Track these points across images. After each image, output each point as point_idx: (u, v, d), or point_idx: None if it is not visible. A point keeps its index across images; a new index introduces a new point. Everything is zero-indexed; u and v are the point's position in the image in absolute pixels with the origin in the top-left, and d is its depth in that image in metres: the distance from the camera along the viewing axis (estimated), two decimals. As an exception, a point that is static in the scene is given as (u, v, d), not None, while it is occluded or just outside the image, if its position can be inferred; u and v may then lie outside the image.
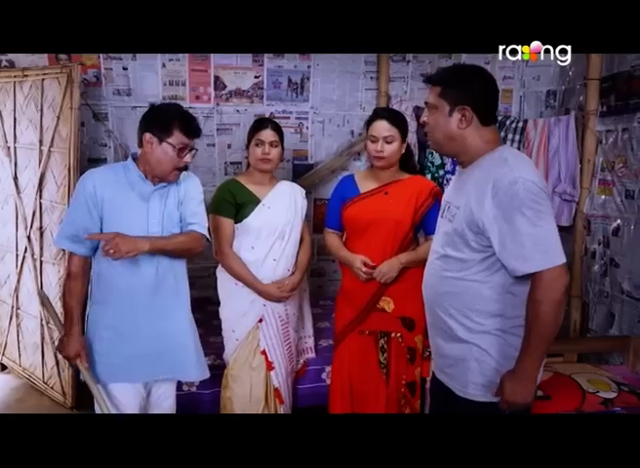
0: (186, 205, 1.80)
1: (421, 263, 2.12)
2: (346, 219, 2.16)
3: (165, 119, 1.70)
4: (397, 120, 2.10)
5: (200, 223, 1.81)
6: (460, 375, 1.44)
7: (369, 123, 2.12)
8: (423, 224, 2.14)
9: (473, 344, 1.40)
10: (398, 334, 2.13)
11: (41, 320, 2.76)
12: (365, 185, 2.16)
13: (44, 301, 2.05)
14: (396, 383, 2.15)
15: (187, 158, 1.72)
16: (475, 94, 1.38)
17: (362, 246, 2.11)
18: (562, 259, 1.29)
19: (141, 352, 1.75)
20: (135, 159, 1.77)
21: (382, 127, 2.06)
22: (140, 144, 1.74)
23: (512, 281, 1.35)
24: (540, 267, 1.27)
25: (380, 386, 2.15)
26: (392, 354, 2.14)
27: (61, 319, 1.85)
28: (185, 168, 1.76)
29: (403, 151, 2.12)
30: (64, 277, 1.78)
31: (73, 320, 1.71)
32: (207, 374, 1.93)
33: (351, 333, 2.16)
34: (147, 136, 1.69)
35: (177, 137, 1.68)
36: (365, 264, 2.06)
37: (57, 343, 1.79)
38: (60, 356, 2.68)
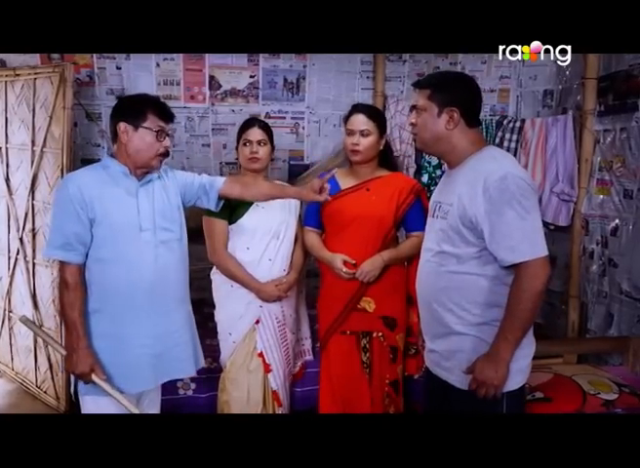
0: (193, 182, 1.84)
1: (403, 261, 2.15)
2: (327, 216, 2.14)
3: (137, 105, 1.67)
4: (374, 114, 2.11)
5: (215, 177, 1.90)
6: (458, 367, 1.47)
7: (346, 118, 2.12)
8: (405, 221, 2.13)
9: (472, 336, 1.45)
10: (380, 334, 2.13)
11: (33, 323, 2.71)
12: (345, 182, 2.15)
13: (29, 326, 1.87)
14: (380, 383, 2.15)
15: (167, 142, 1.69)
16: (463, 97, 1.47)
17: (343, 243, 2.09)
18: (546, 251, 1.38)
19: (142, 358, 1.69)
20: (112, 156, 1.71)
21: (359, 120, 2.07)
22: (115, 139, 1.69)
23: (507, 272, 1.40)
24: (527, 258, 1.35)
25: (363, 386, 2.14)
26: (375, 354, 2.14)
27: (56, 338, 1.76)
28: (167, 153, 1.71)
29: (381, 147, 2.12)
30: (61, 289, 1.63)
31: (80, 333, 1.60)
32: (203, 362, 1.92)
33: (334, 334, 2.16)
34: (122, 125, 1.65)
35: (152, 121, 1.65)
36: (345, 263, 2.05)
37: (64, 363, 1.68)
38: (53, 359, 2.66)
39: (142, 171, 1.71)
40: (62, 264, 1.63)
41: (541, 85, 3.19)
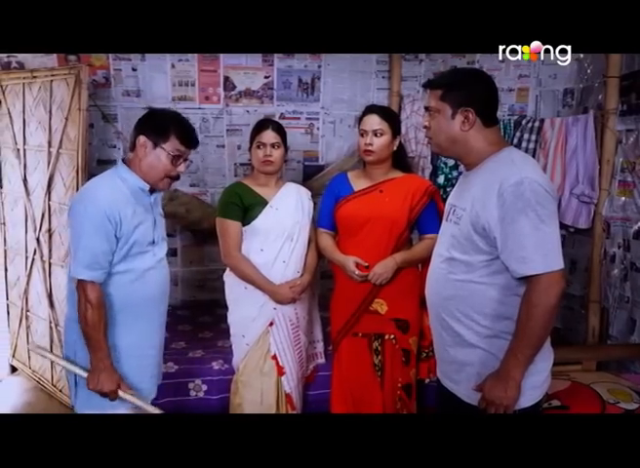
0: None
1: (416, 263, 2.13)
2: (340, 218, 2.14)
3: (162, 123, 1.63)
4: (388, 115, 2.10)
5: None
6: (467, 381, 1.42)
7: (360, 119, 2.12)
8: (418, 223, 2.12)
9: (481, 348, 1.39)
10: (392, 337, 2.11)
11: (50, 322, 2.75)
12: (359, 184, 2.15)
13: (41, 353, 1.82)
14: (391, 386, 2.13)
15: (181, 168, 1.64)
16: (477, 95, 1.39)
17: (356, 245, 2.08)
18: (561, 265, 1.29)
19: (148, 368, 1.72)
20: (124, 162, 1.69)
21: (372, 120, 2.06)
22: (132, 148, 1.66)
23: (518, 283, 1.33)
24: (539, 270, 1.27)
25: (375, 389, 2.13)
26: (387, 356, 2.12)
27: (75, 360, 1.66)
28: (177, 177, 1.68)
29: (395, 148, 2.10)
30: (84, 309, 1.56)
31: (105, 353, 1.57)
32: None
33: (346, 336, 2.15)
34: (142, 138, 1.61)
35: (172, 144, 1.61)
36: (357, 265, 2.04)
37: (89, 385, 1.60)
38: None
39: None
40: (85, 283, 1.56)
41: (562, 84, 3.12)
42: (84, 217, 1.56)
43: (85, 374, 1.61)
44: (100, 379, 1.58)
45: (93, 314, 1.55)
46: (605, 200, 2.70)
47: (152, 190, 1.69)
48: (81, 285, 1.56)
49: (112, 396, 1.60)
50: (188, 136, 1.64)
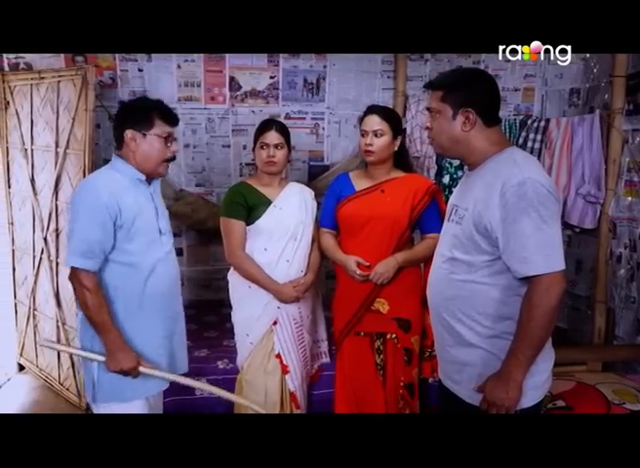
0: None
1: (418, 263, 2.13)
2: (342, 218, 2.14)
3: (143, 111, 1.66)
4: (389, 115, 2.11)
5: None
6: (468, 381, 1.42)
7: (361, 119, 2.13)
8: (420, 223, 2.12)
9: (482, 349, 1.39)
10: (393, 336, 2.12)
11: (57, 321, 2.77)
12: (360, 183, 2.15)
13: (51, 345, 1.87)
14: (394, 385, 2.13)
15: (174, 147, 1.69)
16: (477, 95, 1.39)
17: (358, 245, 2.09)
18: (562, 265, 1.29)
19: (162, 359, 1.74)
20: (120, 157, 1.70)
21: (373, 121, 2.07)
22: (120, 146, 1.67)
23: (520, 283, 1.33)
24: (541, 271, 1.27)
25: (377, 388, 2.13)
26: (388, 356, 2.13)
27: (90, 347, 1.68)
28: (174, 158, 1.72)
29: (396, 148, 2.11)
30: (83, 295, 1.58)
31: (115, 333, 1.60)
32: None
33: (348, 336, 2.16)
34: (129, 133, 1.63)
35: (159, 127, 1.64)
36: (359, 264, 2.05)
37: (109, 367, 1.62)
38: (75, 357, 2.70)
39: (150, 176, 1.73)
40: (79, 270, 1.58)
41: (568, 83, 3.10)
42: (80, 207, 1.59)
43: (102, 358, 1.63)
44: (118, 359, 1.60)
45: (92, 299, 1.58)
46: (611, 200, 2.69)
47: (149, 180, 1.72)
48: (75, 272, 1.59)
49: (134, 372, 1.62)
50: (170, 115, 1.68)
